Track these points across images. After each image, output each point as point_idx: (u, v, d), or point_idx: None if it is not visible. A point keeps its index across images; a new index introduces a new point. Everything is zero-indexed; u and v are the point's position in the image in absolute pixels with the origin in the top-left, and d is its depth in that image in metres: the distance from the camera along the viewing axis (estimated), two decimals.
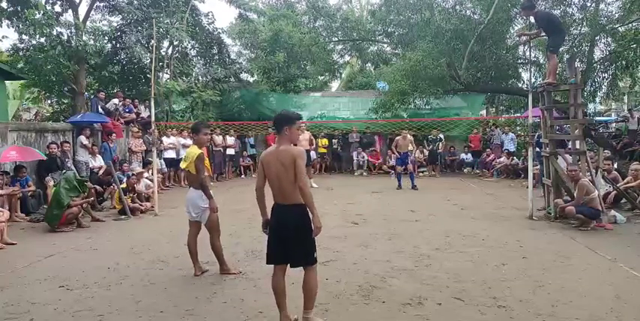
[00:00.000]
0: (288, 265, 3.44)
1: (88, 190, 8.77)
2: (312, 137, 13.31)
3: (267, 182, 3.45)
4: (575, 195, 6.90)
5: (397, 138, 11.90)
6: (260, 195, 3.51)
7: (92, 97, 12.60)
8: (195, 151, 4.65)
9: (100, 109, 11.63)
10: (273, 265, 3.48)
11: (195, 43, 16.66)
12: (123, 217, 8.12)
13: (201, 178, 4.60)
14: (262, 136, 15.51)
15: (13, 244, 6.23)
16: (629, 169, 8.57)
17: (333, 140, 16.04)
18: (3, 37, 11.15)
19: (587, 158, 7.48)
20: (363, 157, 15.56)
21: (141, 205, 8.64)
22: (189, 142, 12.55)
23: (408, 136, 11.80)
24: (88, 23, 13.58)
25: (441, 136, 14.86)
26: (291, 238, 3.32)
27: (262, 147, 15.74)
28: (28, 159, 8.46)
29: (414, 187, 11.32)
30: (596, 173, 7.77)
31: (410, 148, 11.77)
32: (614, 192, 8.16)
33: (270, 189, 3.47)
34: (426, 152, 14.86)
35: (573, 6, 13.53)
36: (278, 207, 3.42)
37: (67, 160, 9.50)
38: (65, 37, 11.87)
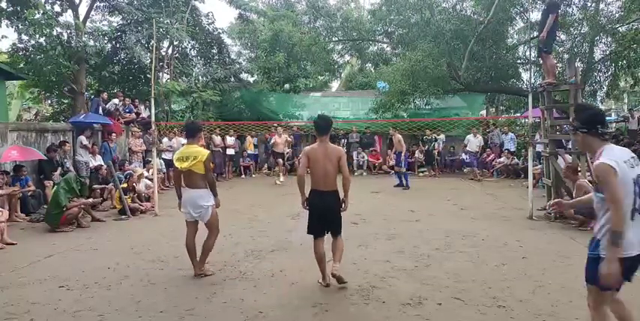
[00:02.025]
0: (329, 233, 4.34)
1: (92, 191, 8.82)
2: (289, 139, 13.87)
3: (310, 172, 4.29)
4: (573, 195, 6.90)
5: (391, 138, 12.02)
6: (302, 180, 4.36)
7: (93, 97, 12.59)
8: (202, 151, 4.71)
9: (100, 110, 11.63)
10: (312, 240, 4.36)
11: (195, 43, 16.66)
12: (123, 217, 8.12)
13: (211, 177, 4.80)
14: (262, 136, 15.50)
15: (13, 244, 6.22)
16: None
17: (341, 141, 16.01)
18: (2, 36, 11.14)
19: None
20: (363, 157, 15.55)
21: (141, 205, 8.64)
22: None
23: (397, 135, 11.85)
24: (88, 23, 13.57)
25: (439, 136, 14.85)
26: (332, 215, 4.28)
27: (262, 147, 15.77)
28: (29, 158, 8.47)
29: (397, 185, 11.52)
30: None
31: (400, 147, 11.71)
32: None
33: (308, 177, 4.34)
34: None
35: (573, 6, 13.54)
36: (321, 193, 4.26)
37: (66, 160, 9.50)
38: (65, 38, 11.86)
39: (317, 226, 4.32)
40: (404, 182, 11.52)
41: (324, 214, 4.27)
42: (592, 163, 3.02)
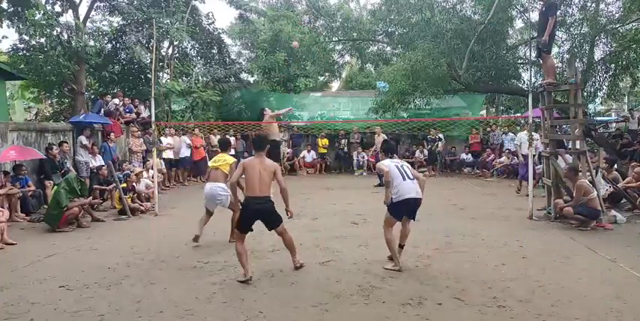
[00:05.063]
0: (268, 227, 4.85)
1: (91, 191, 8.80)
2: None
3: (246, 180, 4.71)
4: (573, 195, 6.90)
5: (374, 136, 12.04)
6: (234, 186, 4.89)
7: (98, 99, 12.57)
8: (230, 158, 6.17)
9: (102, 112, 11.63)
10: (237, 236, 4.77)
11: (196, 44, 16.66)
12: (123, 217, 8.12)
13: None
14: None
15: (13, 244, 6.23)
16: (633, 171, 8.52)
17: (342, 141, 16.00)
18: (3, 37, 11.13)
19: (587, 158, 7.47)
20: (363, 157, 15.55)
21: (141, 205, 8.63)
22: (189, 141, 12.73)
23: (382, 134, 11.81)
24: (88, 23, 13.57)
25: (441, 135, 14.88)
26: (268, 215, 4.74)
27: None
28: (28, 158, 8.46)
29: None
30: (596, 173, 7.76)
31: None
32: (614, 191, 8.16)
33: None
34: (426, 152, 14.89)
35: (573, 6, 13.51)
36: (255, 198, 4.65)
37: (66, 160, 9.49)
38: (65, 38, 11.85)
39: (245, 224, 4.76)
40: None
41: (261, 216, 4.74)
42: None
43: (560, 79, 10.61)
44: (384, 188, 5.02)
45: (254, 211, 4.67)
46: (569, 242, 6.05)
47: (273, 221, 4.78)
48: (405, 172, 4.97)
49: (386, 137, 11.96)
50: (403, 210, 4.94)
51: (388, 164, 5.06)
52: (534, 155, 8.87)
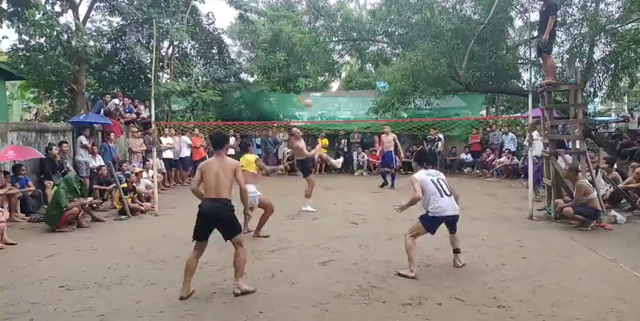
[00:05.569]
0: (224, 238, 4.31)
1: (91, 191, 8.80)
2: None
3: (204, 183, 4.30)
4: (574, 195, 6.90)
5: (382, 135, 11.93)
6: (197, 192, 4.39)
7: (98, 99, 12.57)
8: (252, 156, 6.58)
9: (102, 112, 11.63)
10: (195, 245, 4.30)
11: (196, 44, 16.67)
12: (123, 217, 8.11)
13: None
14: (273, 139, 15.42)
15: (13, 244, 6.22)
16: (633, 172, 8.51)
17: (342, 141, 15.98)
18: (3, 37, 11.12)
19: (587, 158, 7.47)
20: (363, 157, 15.56)
21: (141, 205, 8.63)
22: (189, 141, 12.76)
23: (391, 133, 11.77)
24: (88, 23, 13.57)
25: (441, 135, 14.88)
26: (224, 220, 4.24)
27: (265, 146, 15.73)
28: (27, 157, 8.45)
29: (392, 186, 11.47)
30: (596, 173, 7.76)
31: (392, 147, 11.63)
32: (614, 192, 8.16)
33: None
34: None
35: (573, 6, 13.53)
36: (212, 200, 4.22)
37: (66, 160, 9.49)
38: (65, 38, 11.85)
39: (201, 231, 4.26)
40: (392, 182, 11.58)
41: (216, 220, 4.22)
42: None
43: (560, 79, 10.62)
44: (410, 201, 4.79)
45: (209, 215, 4.18)
46: (569, 242, 6.05)
47: (230, 229, 4.27)
48: (442, 187, 4.82)
49: (395, 136, 11.85)
50: (438, 225, 4.88)
51: (423, 179, 4.85)
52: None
